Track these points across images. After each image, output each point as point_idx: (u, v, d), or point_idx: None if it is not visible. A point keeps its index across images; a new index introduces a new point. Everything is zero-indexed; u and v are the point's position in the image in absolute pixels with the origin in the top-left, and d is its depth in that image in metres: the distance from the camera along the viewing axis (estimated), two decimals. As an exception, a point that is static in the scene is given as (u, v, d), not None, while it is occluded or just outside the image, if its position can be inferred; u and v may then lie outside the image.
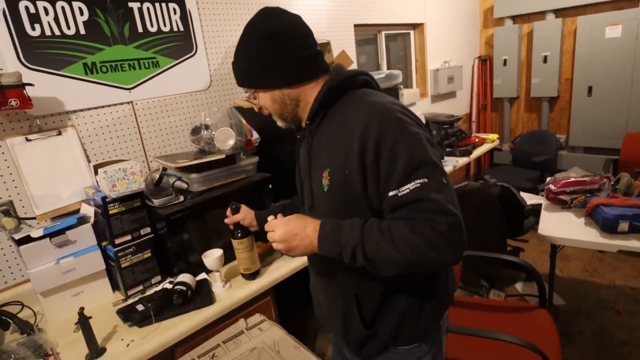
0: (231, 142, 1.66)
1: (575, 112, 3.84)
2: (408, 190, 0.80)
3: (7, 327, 1.35)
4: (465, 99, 4.48)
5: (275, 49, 0.90)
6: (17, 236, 1.35)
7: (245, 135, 1.73)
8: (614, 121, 3.59)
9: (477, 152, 3.26)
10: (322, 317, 1.16)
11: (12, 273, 1.51)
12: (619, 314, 2.35)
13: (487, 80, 4.49)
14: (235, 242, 1.45)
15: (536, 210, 2.32)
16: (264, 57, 0.91)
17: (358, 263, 0.84)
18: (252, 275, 1.54)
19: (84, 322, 1.18)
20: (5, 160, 1.46)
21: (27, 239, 1.34)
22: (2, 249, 1.49)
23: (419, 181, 0.80)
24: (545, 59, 3.87)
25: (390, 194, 0.82)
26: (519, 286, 2.77)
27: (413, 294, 0.97)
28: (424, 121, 2.77)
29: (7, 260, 1.50)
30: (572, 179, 2.11)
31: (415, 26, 3.65)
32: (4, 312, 1.34)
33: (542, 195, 2.26)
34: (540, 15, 3.92)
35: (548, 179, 2.25)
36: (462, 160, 3.02)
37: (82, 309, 1.19)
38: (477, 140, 3.35)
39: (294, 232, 0.89)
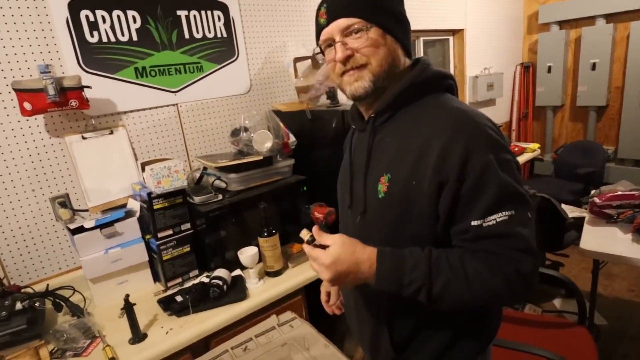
0: (268, 145, 1.72)
1: (626, 123, 3.65)
2: (494, 222, 0.72)
3: (60, 309, 1.46)
4: (505, 106, 4.36)
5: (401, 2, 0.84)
6: (72, 226, 1.47)
7: (282, 138, 1.79)
8: (669, 132, 3.39)
9: (517, 161, 3.16)
10: (352, 325, 1.08)
11: (65, 260, 1.64)
12: (667, 337, 2.21)
13: (530, 88, 4.35)
14: (261, 240, 1.55)
15: (578, 224, 2.23)
16: (398, 3, 0.83)
17: (418, 299, 0.74)
18: (275, 274, 1.59)
19: (128, 308, 1.26)
20: (64, 156, 1.59)
21: (81, 229, 1.45)
22: (57, 237, 1.61)
23: (506, 213, 0.71)
24: (593, 66, 3.70)
25: (474, 223, 0.73)
26: (557, 302, 2.66)
27: (455, 326, 0.87)
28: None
29: (62, 248, 1.63)
30: (620, 193, 2.01)
31: (454, 32, 3.60)
32: (58, 295, 1.45)
33: (586, 209, 2.17)
34: (590, 20, 3.76)
35: (593, 191, 2.16)
36: (500, 169, 2.94)
37: (127, 296, 1.27)
38: (516, 149, 3.25)
39: (344, 268, 0.74)
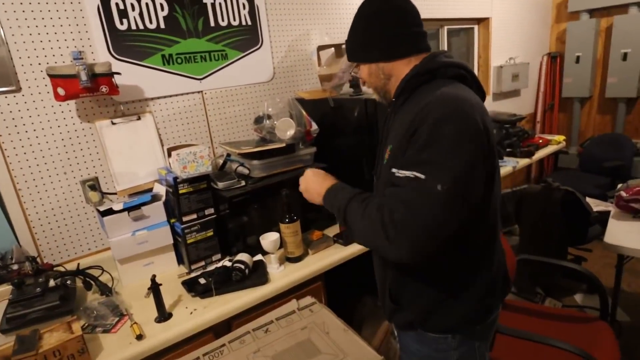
0: (291, 132, 1.73)
1: (657, 115, 3.52)
2: (402, 175, 0.86)
3: (89, 288, 1.53)
4: (530, 98, 4.26)
5: (372, 26, 1.01)
6: (101, 208, 1.52)
7: (304, 126, 1.80)
8: (703, 126, 3.26)
9: (540, 153, 3.10)
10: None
11: (94, 241, 1.71)
12: (693, 336, 2.16)
13: (556, 79, 4.23)
14: (282, 226, 1.57)
15: (603, 219, 2.19)
16: (364, 34, 1.04)
17: (340, 217, 0.99)
18: (295, 259, 1.62)
19: (155, 288, 1.31)
20: (94, 140, 1.64)
21: (110, 211, 1.50)
22: (87, 219, 1.68)
23: (414, 174, 0.83)
24: (624, 57, 3.57)
25: (392, 170, 0.90)
26: (578, 297, 2.62)
27: (439, 287, 1.01)
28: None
29: (91, 230, 1.69)
30: (647, 187, 1.96)
31: (480, 21, 3.52)
32: (88, 275, 1.52)
33: (612, 203, 2.12)
34: (623, 8, 3.62)
35: (619, 185, 2.11)
36: (523, 162, 2.90)
37: (154, 276, 1.32)
38: (540, 141, 3.18)
39: (315, 182, 1.11)
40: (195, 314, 1.36)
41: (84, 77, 1.39)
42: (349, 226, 0.95)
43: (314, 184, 1.10)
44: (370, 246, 0.97)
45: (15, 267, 1.50)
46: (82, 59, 1.39)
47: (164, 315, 1.34)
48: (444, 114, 0.84)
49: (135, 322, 1.30)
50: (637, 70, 3.55)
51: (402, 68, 1.02)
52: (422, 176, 0.82)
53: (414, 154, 0.85)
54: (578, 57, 3.88)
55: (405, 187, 0.84)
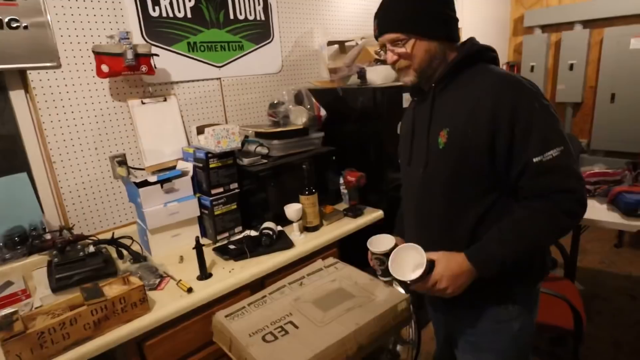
0: (304, 118, 1.92)
1: (598, 118, 4.05)
2: (551, 157, 0.91)
3: (122, 257, 1.62)
4: (491, 102, 4.70)
5: (442, 3, 1.02)
6: (137, 180, 1.62)
7: (313, 111, 1.99)
8: (636, 127, 3.80)
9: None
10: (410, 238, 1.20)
11: (119, 216, 1.79)
12: (634, 299, 2.56)
13: (513, 85, 4.70)
14: (302, 198, 1.74)
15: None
16: (434, 7, 1.00)
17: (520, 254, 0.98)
18: (313, 229, 1.80)
19: (199, 247, 1.44)
20: (124, 119, 1.74)
21: (145, 183, 1.61)
22: (114, 194, 1.76)
23: (557, 149, 0.91)
24: (571, 67, 4.08)
25: (536, 160, 0.92)
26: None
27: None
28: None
29: (117, 205, 1.78)
30: (596, 171, 2.34)
31: (450, 30, 3.88)
32: (121, 244, 1.61)
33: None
34: (569, 25, 4.14)
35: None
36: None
37: (198, 237, 1.45)
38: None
39: (454, 274, 0.96)
40: (233, 272, 1.50)
41: (129, 55, 1.50)
42: (522, 246, 0.96)
43: (455, 270, 0.97)
44: (557, 236, 0.99)
45: (48, 237, 1.57)
46: (128, 39, 1.50)
47: (205, 274, 1.47)
48: (528, 94, 0.94)
49: (180, 280, 1.43)
50: (581, 79, 4.07)
51: (452, 52, 1.06)
52: (562, 147, 0.91)
53: (538, 139, 0.91)
54: (532, 67, 4.37)
55: (564, 166, 0.91)
